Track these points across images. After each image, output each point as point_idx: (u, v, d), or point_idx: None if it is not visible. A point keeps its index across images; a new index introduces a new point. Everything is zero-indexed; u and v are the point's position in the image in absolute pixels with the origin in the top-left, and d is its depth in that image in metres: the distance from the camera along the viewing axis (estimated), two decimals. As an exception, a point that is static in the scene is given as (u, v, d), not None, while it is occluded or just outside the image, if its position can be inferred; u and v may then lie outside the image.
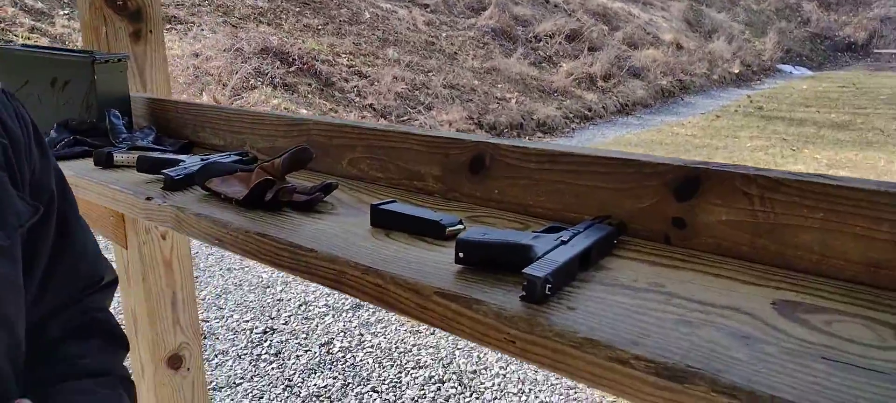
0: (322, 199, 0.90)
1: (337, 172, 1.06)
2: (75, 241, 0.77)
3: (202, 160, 1.06)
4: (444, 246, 0.73)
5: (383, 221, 0.80)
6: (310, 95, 6.54)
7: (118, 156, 1.13)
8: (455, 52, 8.89)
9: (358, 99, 6.93)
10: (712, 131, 8.65)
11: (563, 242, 0.64)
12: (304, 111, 6.30)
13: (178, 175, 0.98)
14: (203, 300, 3.49)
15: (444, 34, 9.19)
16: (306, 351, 2.97)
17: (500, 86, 8.54)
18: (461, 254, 0.64)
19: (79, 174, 1.11)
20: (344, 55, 7.48)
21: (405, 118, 6.99)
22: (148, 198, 0.95)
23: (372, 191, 0.98)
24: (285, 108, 6.13)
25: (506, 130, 7.77)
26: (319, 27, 7.77)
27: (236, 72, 5.96)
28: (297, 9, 7.88)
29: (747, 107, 10.58)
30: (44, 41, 5.56)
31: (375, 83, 7.24)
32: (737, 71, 13.39)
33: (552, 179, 0.80)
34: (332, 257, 0.71)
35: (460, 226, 0.76)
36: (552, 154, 0.80)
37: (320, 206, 0.89)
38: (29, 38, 5.54)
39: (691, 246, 0.70)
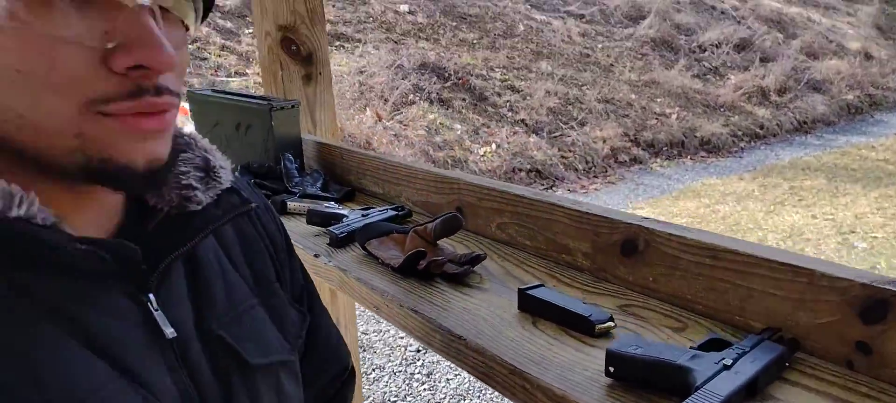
0: (471, 271, 0.91)
1: (486, 233, 1.08)
2: (321, 329, 0.72)
3: (362, 215, 1.12)
4: (593, 345, 0.71)
5: (530, 307, 0.79)
6: (463, 110, 6.68)
7: (291, 205, 1.24)
8: (611, 64, 8.63)
9: (510, 114, 6.97)
10: (910, 155, 7.60)
11: (726, 367, 0.60)
12: (459, 126, 6.46)
13: (342, 233, 1.05)
14: (363, 312, 3.69)
15: (599, 45, 8.96)
16: (456, 375, 3.03)
17: (659, 100, 8.15)
18: (612, 368, 0.62)
19: (257, 221, 1.22)
20: (498, 69, 7.56)
21: (557, 134, 6.90)
22: (316, 256, 1.03)
23: (520, 260, 0.98)
24: (440, 123, 6.33)
25: (665, 148, 7.40)
26: (475, 41, 7.92)
27: (397, 89, 6.26)
28: (454, 23, 8.09)
29: (955, 127, 9.15)
30: (232, 58, 6.22)
31: (527, 97, 7.24)
32: (944, 83, 11.62)
33: (714, 276, 0.75)
34: (480, 348, 0.72)
35: (610, 324, 0.74)
36: (713, 248, 0.75)
37: (469, 278, 0.91)
38: (220, 55, 6.23)
39: (880, 376, 0.62)
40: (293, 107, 1.49)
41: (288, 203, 1.24)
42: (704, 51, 9.70)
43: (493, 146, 6.47)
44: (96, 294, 0.47)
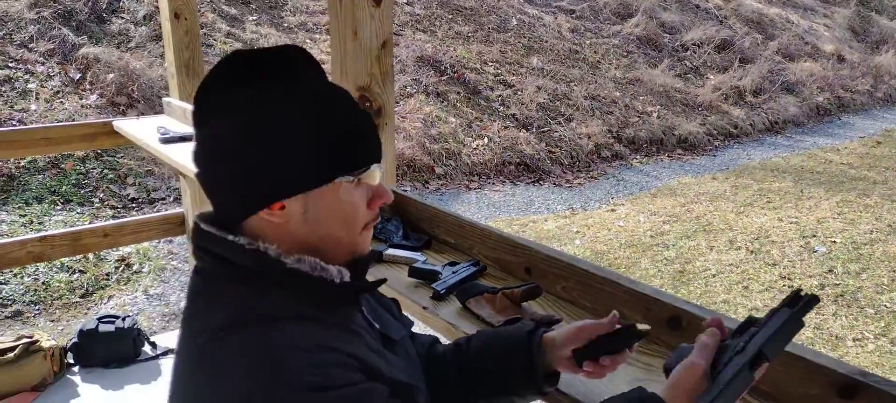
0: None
1: (552, 292, 1.39)
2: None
3: (453, 272, 1.43)
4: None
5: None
6: (458, 104, 6.96)
7: (386, 254, 1.54)
8: (598, 61, 8.96)
9: (502, 108, 7.26)
10: (871, 160, 8.11)
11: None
12: (453, 119, 6.73)
13: (442, 289, 1.35)
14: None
15: (587, 42, 9.28)
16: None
17: (642, 98, 8.52)
18: None
19: (360, 268, 1.52)
20: (491, 63, 7.83)
21: (545, 129, 7.23)
22: (424, 308, 1.33)
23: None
24: (436, 116, 6.59)
25: (645, 145, 7.79)
26: (469, 35, 8.16)
27: (396, 82, 6.50)
28: (450, 16, 8.32)
29: (915, 133, 9.74)
30: (237, 45, 6.38)
31: (519, 93, 7.54)
32: (907, 88, 12.25)
33: (736, 352, 1.07)
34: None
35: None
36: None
37: (551, 336, 1.23)
38: (225, 42, 6.38)
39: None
40: (373, 160, 1.78)
41: (383, 252, 1.53)
42: (687, 50, 10.08)
43: (486, 139, 6.78)
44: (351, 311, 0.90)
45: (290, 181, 0.83)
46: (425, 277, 1.41)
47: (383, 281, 1.00)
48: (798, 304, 0.75)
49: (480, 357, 1.02)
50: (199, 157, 0.87)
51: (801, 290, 0.77)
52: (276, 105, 0.82)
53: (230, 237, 0.84)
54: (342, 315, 0.86)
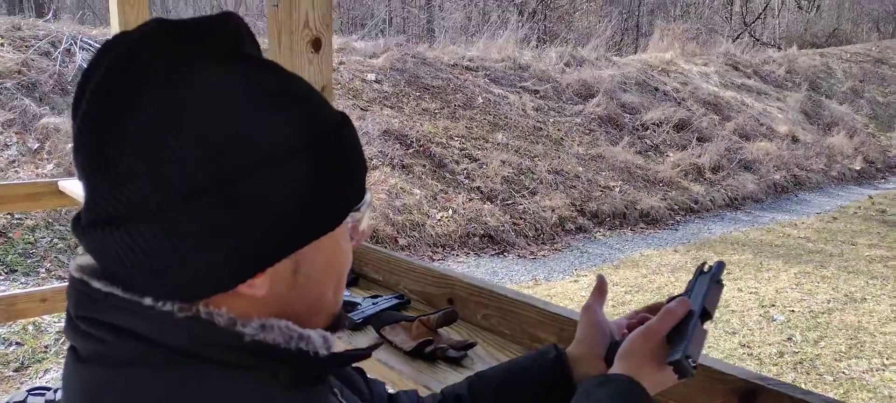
0: (466, 356, 1.19)
1: (473, 322, 1.36)
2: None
3: (373, 303, 1.39)
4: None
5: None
6: (423, 176, 7.02)
7: (307, 289, 1.50)
8: (561, 138, 9.19)
9: (467, 181, 7.34)
10: (828, 235, 8.31)
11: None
12: (418, 191, 6.77)
13: (358, 319, 1.32)
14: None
15: (551, 120, 9.54)
16: None
17: (604, 173, 8.70)
18: None
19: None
20: (457, 138, 7.98)
21: (510, 202, 7.31)
22: (339, 338, 1.29)
23: (501, 346, 1.26)
24: (401, 188, 6.63)
25: (608, 218, 7.89)
26: (436, 111, 8.34)
27: (360, 154, 6.56)
28: (418, 93, 8.52)
29: (868, 210, 10.05)
30: None
31: (484, 166, 7.65)
32: (858, 167, 12.74)
33: (645, 367, 1.05)
34: (479, 416, 0.99)
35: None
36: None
37: (463, 360, 1.19)
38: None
39: (750, 441, 0.93)
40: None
41: (305, 287, 1.49)
42: (647, 129, 10.41)
43: (450, 211, 6.81)
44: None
45: (300, 231, 0.55)
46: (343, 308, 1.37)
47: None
48: (709, 271, 0.79)
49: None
50: (117, 209, 0.51)
51: (706, 262, 0.82)
52: (269, 114, 0.53)
53: (147, 301, 0.53)
54: (312, 399, 0.60)
